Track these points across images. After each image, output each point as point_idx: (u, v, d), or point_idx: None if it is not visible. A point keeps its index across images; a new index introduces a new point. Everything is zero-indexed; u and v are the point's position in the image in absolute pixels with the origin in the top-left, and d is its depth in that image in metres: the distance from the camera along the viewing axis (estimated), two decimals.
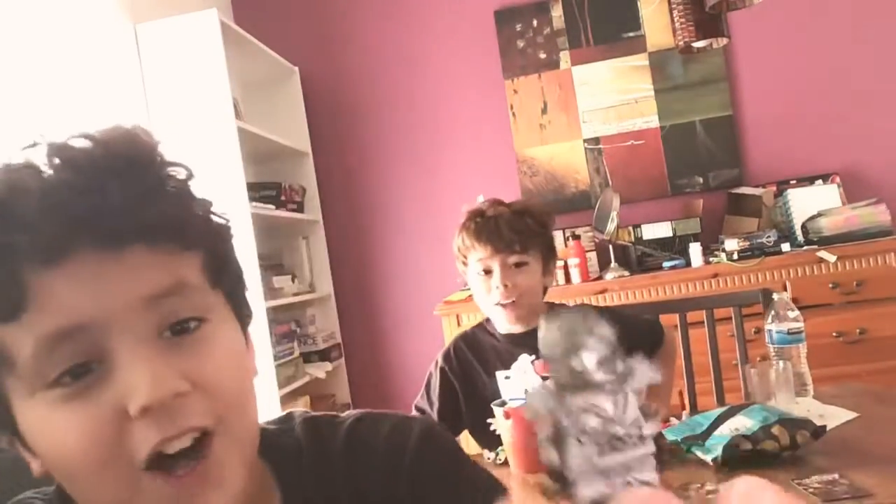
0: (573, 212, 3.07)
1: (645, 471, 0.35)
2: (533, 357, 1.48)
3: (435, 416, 1.54)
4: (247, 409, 0.51)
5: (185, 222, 0.49)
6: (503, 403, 1.35)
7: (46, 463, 0.48)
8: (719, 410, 1.27)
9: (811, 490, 1.01)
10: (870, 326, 2.47)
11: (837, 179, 2.84)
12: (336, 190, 3.31)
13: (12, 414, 0.47)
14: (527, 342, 1.49)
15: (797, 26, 2.99)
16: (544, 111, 3.16)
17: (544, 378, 1.47)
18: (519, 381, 1.39)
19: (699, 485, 1.10)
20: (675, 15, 1.96)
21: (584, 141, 3.13)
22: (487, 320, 1.61)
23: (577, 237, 2.92)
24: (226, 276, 0.53)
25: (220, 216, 0.53)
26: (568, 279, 2.80)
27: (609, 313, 1.66)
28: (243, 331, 0.55)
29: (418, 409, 1.60)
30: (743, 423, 1.17)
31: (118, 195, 0.45)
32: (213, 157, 2.46)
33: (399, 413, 0.67)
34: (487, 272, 1.48)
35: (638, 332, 1.62)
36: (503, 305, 1.48)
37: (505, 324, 1.53)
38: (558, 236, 3.00)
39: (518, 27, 3.17)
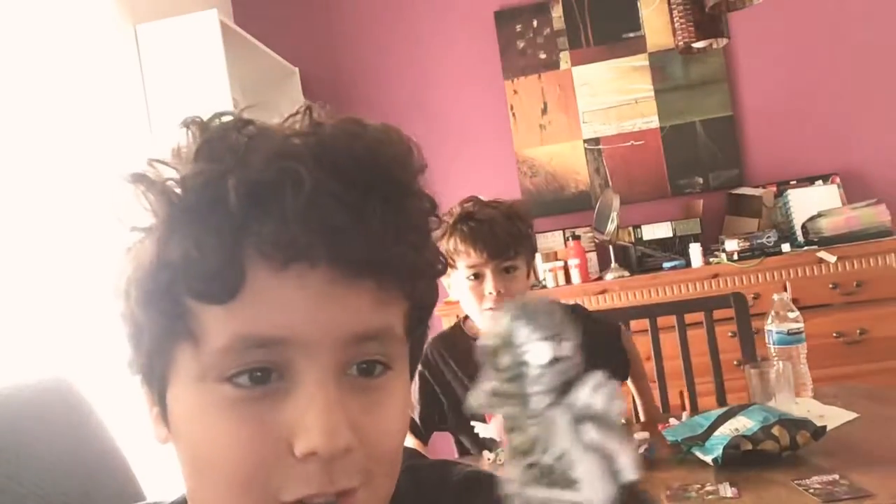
0: (573, 212, 3.07)
1: None
2: None
3: (417, 418, 1.54)
4: (395, 469, 0.48)
5: (420, 272, 0.46)
6: None
7: (180, 446, 0.46)
8: (719, 411, 1.27)
9: (811, 491, 1.01)
10: (870, 327, 2.47)
11: (837, 180, 2.84)
12: None
13: (167, 382, 0.45)
14: None
15: (797, 26, 2.99)
16: (544, 111, 3.16)
17: None
18: None
19: (699, 485, 1.10)
20: (674, 15, 1.96)
21: (585, 141, 3.13)
22: (464, 320, 1.59)
23: (577, 237, 2.92)
24: (420, 328, 0.50)
25: (441, 263, 0.50)
26: (568, 279, 2.80)
27: (592, 323, 1.66)
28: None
29: None
30: (743, 424, 1.17)
31: (377, 223, 0.42)
32: None
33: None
34: (478, 276, 1.45)
35: (606, 349, 1.63)
36: (494, 311, 1.46)
37: None
38: (558, 236, 3.01)
39: (518, 28, 3.17)
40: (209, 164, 0.42)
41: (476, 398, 0.30)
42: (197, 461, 0.44)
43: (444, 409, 1.54)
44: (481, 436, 1.44)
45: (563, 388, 0.28)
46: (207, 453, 0.43)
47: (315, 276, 0.42)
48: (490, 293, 1.43)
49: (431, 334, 2.34)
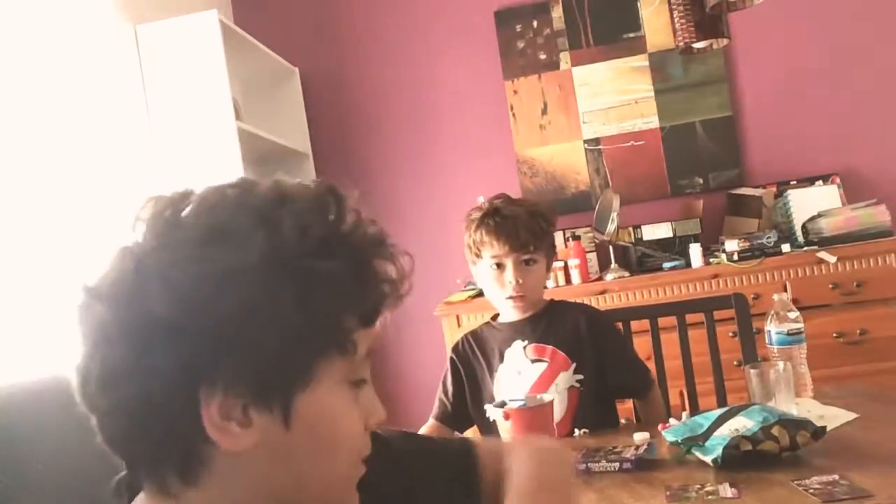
0: (573, 212, 3.07)
1: None
2: (525, 343, 1.60)
3: (449, 404, 1.66)
4: None
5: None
6: (503, 404, 1.36)
7: (306, 441, 0.57)
8: (719, 411, 1.27)
9: (811, 491, 1.01)
10: (870, 327, 2.47)
11: (837, 180, 2.84)
12: None
13: (299, 389, 0.56)
14: (523, 329, 1.63)
15: (797, 27, 2.99)
16: (544, 112, 3.16)
17: (534, 361, 1.57)
18: (513, 364, 1.57)
19: (699, 485, 1.10)
20: (675, 15, 1.95)
21: (585, 142, 3.13)
22: (495, 317, 1.72)
23: (577, 238, 2.92)
24: None
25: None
26: (568, 280, 2.80)
27: (618, 343, 1.69)
28: None
29: (439, 399, 1.70)
30: (743, 424, 1.17)
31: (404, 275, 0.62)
32: (213, 158, 2.46)
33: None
34: (500, 266, 1.59)
35: (629, 375, 1.67)
36: (513, 298, 1.60)
37: (511, 314, 1.65)
38: (559, 237, 3.00)
39: (518, 28, 3.17)
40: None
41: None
42: (333, 445, 0.59)
43: (466, 394, 1.66)
44: (492, 419, 1.47)
45: None
46: (332, 435, 0.59)
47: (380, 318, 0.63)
48: (510, 282, 1.58)
49: (430, 336, 2.39)
